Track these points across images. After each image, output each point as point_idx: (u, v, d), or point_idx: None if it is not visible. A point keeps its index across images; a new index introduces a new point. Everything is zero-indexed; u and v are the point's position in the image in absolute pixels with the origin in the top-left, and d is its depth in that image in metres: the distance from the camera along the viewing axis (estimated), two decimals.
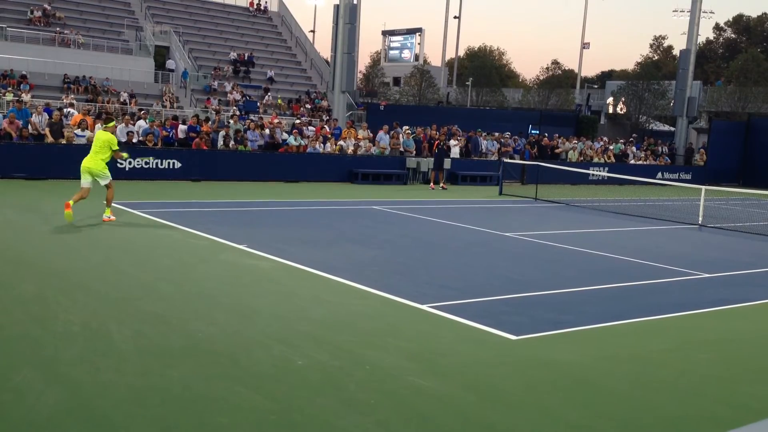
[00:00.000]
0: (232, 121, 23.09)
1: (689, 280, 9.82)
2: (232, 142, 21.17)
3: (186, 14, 44.85)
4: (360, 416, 4.64)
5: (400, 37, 68.13)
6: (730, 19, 78.11)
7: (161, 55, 41.05)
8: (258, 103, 37.25)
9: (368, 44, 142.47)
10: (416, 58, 65.47)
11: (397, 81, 59.79)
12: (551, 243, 12.25)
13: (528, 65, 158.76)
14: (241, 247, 10.12)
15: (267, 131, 22.60)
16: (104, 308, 6.75)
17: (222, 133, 21.20)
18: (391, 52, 68.74)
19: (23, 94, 28.84)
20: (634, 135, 38.66)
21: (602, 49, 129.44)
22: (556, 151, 28.83)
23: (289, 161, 21.44)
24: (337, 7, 26.72)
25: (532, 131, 31.11)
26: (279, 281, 8.31)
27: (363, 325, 6.70)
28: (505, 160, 23.58)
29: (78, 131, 18.66)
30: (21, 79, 32.45)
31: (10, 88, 30.88)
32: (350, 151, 23.09)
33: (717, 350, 6.68)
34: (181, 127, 21.26)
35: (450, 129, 26.26)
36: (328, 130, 24.39)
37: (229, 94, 37.81)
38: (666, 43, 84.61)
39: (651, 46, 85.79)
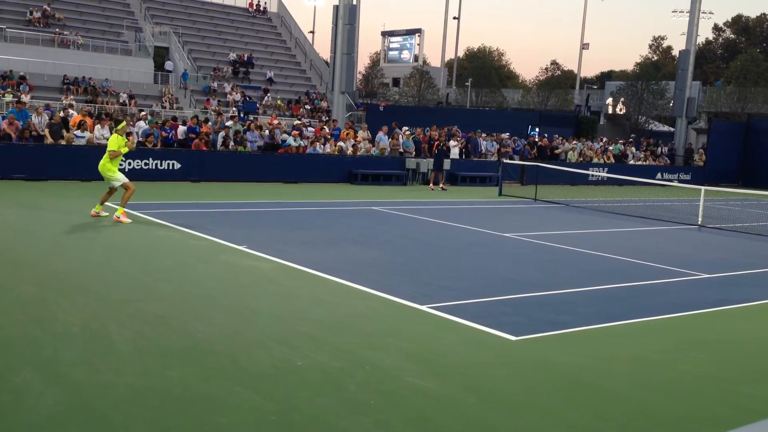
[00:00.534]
0: (231, 122, 23.08)
1: (688, 281, 9.82)
2: (231, 143, 21.18)
3: (185, 15, 44.86)
4: (360, 417, 4.64)
5: (399, 38, 68.13)
6: (729, 20, 78.23)
7: (161, 56, 41.05)
8: (257, 104, 37.26)
9: (367, 45, 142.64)
10: (416, 58, 65.48)
11: (396, 82, 59.79)
12: (550, 243, 12.25)
13: (527, 66, 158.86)
14: (240, 247, 10.12)
15: (267, 132, 22.60)
16: (104, 309, 6.75)
17: (221, 133, 21.20)
18: (391, 52, 68.74)
19: (23, 95, 28.84)
20: (633, 135, 38.68)
21: (601, 50, 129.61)
22: (556, 151, 28.85)
23: (289, 162, 21.44)
24: (336, 8, 26.73)
25: (532, 132, 31.11)
26: (278, 282, 8.32)
27: (363, 326, 6.71)
28: (505, 160, 23.59)
29: (78, 132, 18.66)
30: (20, 79, 32.45)
31: (9, 89, 30.89)
32: (350, 151, 23.09)
33: (716, 351, 6.68)
34: (181, 128, 21.26)
35: (450, 130, 26.26)
36: (327, 130, 24.39)
37: (228, 95, 37.83)
38: (665, 44, 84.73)
39: (650, 46, 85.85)
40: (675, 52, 68.37)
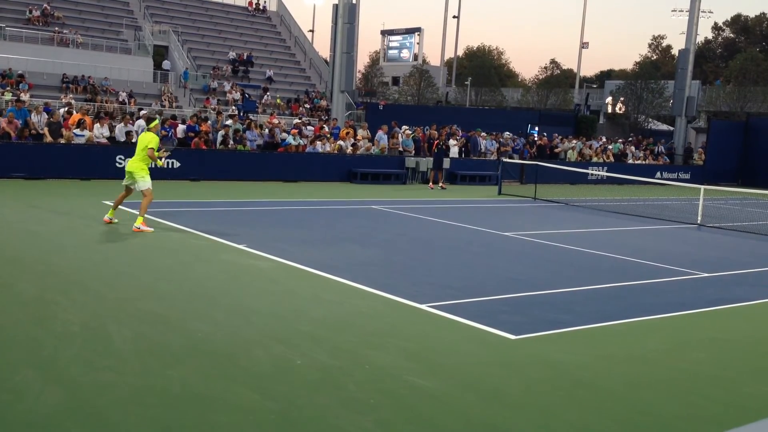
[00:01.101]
0: (230, 121, 23.07)
1: (688, 280, 9.83)
2: (231, 142, 21.17)
3: (185, 14, 44.85)
4: (359, 416, 4.65)
5: (399, 37, 68.10)
6: (729, 19, 78.26)
7: (160, 55, 41.04)
8: (257, 103, 37.25)
9: (367, 44, 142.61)
10: (415, 57, 65.45)
11: (396, 81, 59.79)
12: (550, 242, 12.26)
13: (527, 65, 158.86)
14: (240, 246, 10.12)
15: (266, 131, 22.60)
16: (103, 308, 6.75)
17: (221, 132, 21.19)
18: (390, 51, 68.72)
19: (22, 94, 28.83)
20: (632, 134, 38.67)
21: (601, 49, 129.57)
22: (555, 150, 28.84)
23: (289, 161, 21.43)
24: (336, 7, 26.72)
25: (531, 131, 31.10)
26: (278, 281, 8.32)
27: (362, 325, 6.71)
28: (504, 159, 23.59)
29: (77, 131, 18.65)
30: (19, 78, 32.44)
31: (8, 88, 30.87)
32: (349, 150, 23.09)
33: (715, 350, 6.69)
34: (180, 127, 21.26)
35: (449, 129, 26.26)
36: (327, 129, 24.39)
37: (228, 94, 37.82)
38: (665, 43, 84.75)
39: (650, 45, 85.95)
40: (674, 52, 68.42)
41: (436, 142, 22.83)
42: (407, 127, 24.86)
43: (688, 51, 34.33)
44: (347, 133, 24.10)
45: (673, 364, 6.13)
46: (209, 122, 22.24)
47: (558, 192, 21.16)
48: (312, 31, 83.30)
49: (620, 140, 34.04)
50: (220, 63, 41.58)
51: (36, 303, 6.83)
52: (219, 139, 21.00)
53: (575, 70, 63.53)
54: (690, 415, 5.07)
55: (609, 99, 50.69)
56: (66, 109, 22.28)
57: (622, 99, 48.19)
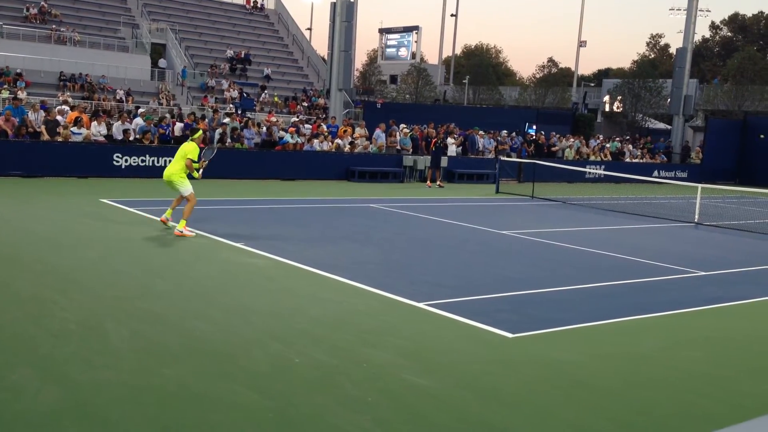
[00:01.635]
0: (228, 119, 23.05)
1: (685, 278, 9.84)
2: (228, 140, 21.15)
3: (182, 12, 44.77)
4: (357, 414, 4.65)
5: (397, 35, 68.09)
6: (726, 18, 78.29)
7: (158, 53, 40.97)
8: (255, 101, 37.21)
9: (365, 42, 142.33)
10: (413, 56, 65.45)
11: (394, 79, 59.76)
12: (547, 241, 12.27)
13: (525, 63, 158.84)
14: (238, 245, 10.12)
15: (264, 129, 22.58)
16: (101, 307, 6.74)
17: (218, 130, 21.16)
18: (388, 50, 68.71)
19: (19, 92, 28.76)
20: (628, 132, 38.68)
21: (599, 48, 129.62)
22: (553, 149, 28.85)
23: (286, 159, 21.42)
24: (334, 5, 26.69)
25: (529, 130, 31.10)
26: (276, 279, 8.32)
27: (360, 323, 6.71)
28: (502, 158, 23.60)
29: (74, 129, 18.62)
30: (17, 76, 32.37)
31: (5, 86, 30.80)
32: (347, 149, 23.08)
33: (712, 348, 6.70)
34: (178, 125, 21.22)
35: (448, 127, 26.26)
36: (325, 128, 24.38)
37: (225, 92, 37.77)
38: (662, 42, 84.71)
39: (647, 44, 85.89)
40: (672, 50, 68.42)
41: (433, 140, 22.82)
42: (405, 126, 24.85)
43: (685, 50, 34.33)
44: (345, 132, 24.09)
45: (670, 362, 6.14)
46: (206, 120, 22.22)
47: (555, 190, 21.17)
48: (310, 29, 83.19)
49: (617, 138, 34.03)
50: (218, 61, 41.51)
51: (33, 301, 6.82)
52: (216, 137, 20.97)
53: (573, 69, 63.60)
54: (686, 414, 5.08)
55: (607, 98, 50.67)
56: (63, 106, 22.22)
57: (619, 98, 48.20)
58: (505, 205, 18.38)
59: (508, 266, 10.03)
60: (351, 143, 23.37)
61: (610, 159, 30.43)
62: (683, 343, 6.75)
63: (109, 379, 4.98)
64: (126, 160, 18.17)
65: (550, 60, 65.02)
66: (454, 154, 24.79)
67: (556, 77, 60.44)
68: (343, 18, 26.34)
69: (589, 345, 6.47)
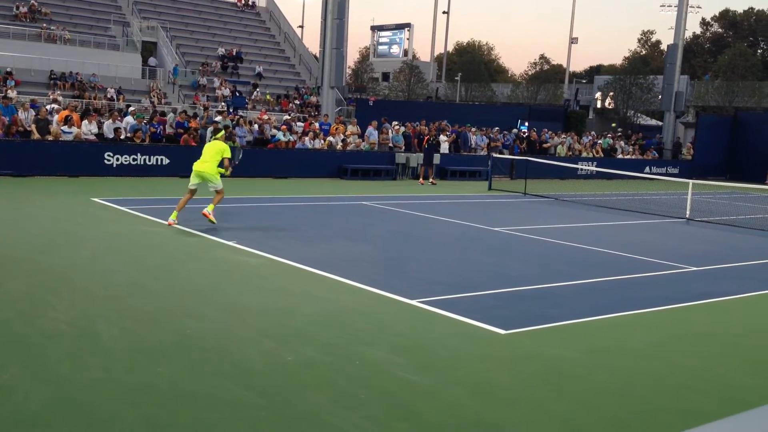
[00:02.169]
0: (220, 117, 22.99)
1: (676, 274, 9.88)
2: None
3: (173, 9, 44.60)
4: (350, 411, 4.65)
5: (388, 33, 68.08)
6: (717, 14, 78.63)
7: (148, 51, 40.81)
8: (246, 99, 37.12)
9: (357, 40, 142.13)
10: (405, 53, 65.47)
11: (386, 76, 59.76)
12: (540, 237, 12.30)
13: (516, 60, 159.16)
14: (230, 243, 10.09)
15: (256, 127, 22.53)
16: (92, 306, 6.71)
17: (210, 128, 21.09)
18: (380, 47, 68.68)
19: (9, 91, 28.59)
20: (620, 129, 38.79)
21: (590, 44, 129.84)
22: (545, 146, 28.90)
23: (278, 157, 21.37)
24: (325, 3, 26.64)
25: (521, 126, 31.14)
26: (269, 277, 8.30)
27: (353, 321, 6.71)
28: (494, 155, 23.62)
29: (65, 128, 18.52)
30: (7, 75, 32.18)
31: None
32: (339, 146, 23.05)
33: (704, 343, 6.73)
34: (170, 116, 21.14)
35: (440, 124, 26.26)
36: (317, 126, 24.34)
37: (217, 90, 37.67)
38: (654, 38, 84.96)
39: (639, 41, 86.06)
40: (663, 47, 68.66)
41: (426, 137, 22.82)
42: (397, 123, 24.84)
43: (676, 46, 34.45)
44: (337, 129, 24.05)
45: (663, 357, 6.16)
46: (198, 118, 22.16)
47: (548, 187, 21.22)
48: (301, 26, 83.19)
49: (609, 134, 34.12)
50: (209, 59, 41.39)
51: (24, 301, 6.79)
52: (208, 135, 20.90)
53: (565, 66, 63.71)
54: (679, 408, 5.11)
55: (598, 94, 50.84)
56: (54, 106, 22.11)
57: (611, 94, 48.35)
58: (497, 202, 18.41)
59: (501, 263, 10.05)
60: (343, 141, 23.35)
61: (602, 155, 30.51)
62: (675, 338, 6.78)
63: (101, 378, 4.96)
64: (117, 159, 18.08)
65: (542, 57, 65.01)
66: (447, 151, 24.80)
67: (548, 74, 60.56)
68: (335, 15, 26.30)
69: (581, 341, 6.49)
